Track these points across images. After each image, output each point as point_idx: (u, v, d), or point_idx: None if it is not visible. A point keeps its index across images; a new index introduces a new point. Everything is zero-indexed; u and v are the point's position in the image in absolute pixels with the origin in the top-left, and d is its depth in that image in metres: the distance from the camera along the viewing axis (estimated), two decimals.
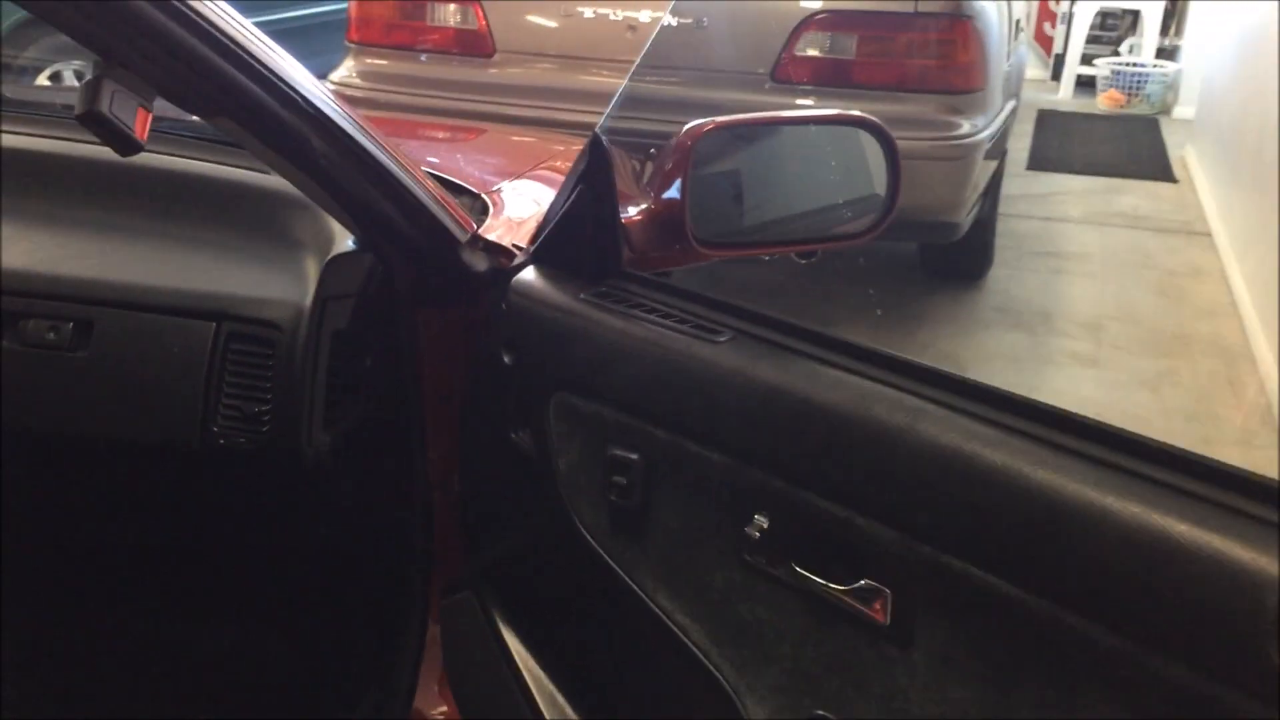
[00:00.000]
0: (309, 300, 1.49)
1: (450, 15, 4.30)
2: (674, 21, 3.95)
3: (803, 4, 3.93)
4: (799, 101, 3.90)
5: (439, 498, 1.61)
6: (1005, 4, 4.64)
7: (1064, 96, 9.65)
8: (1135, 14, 9.94)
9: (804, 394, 1.09)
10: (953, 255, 4.83)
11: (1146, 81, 9.25)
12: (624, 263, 1.35)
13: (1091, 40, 9.78)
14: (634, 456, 1.25)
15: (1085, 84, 9.63)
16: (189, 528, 1.63)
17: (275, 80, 1.21)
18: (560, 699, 1.43)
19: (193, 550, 1.65)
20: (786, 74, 3.90)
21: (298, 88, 1.24)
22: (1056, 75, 10.01)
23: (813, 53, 3.92)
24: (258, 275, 1.54)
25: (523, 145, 2.76)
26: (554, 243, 1.40)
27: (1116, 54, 9.80)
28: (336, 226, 1.55)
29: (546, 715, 1.41)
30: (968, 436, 0.97)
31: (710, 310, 1.24)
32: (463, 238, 1.49)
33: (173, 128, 1.63)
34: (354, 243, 1.52)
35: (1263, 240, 4.71)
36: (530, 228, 1.64)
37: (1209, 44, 8.04)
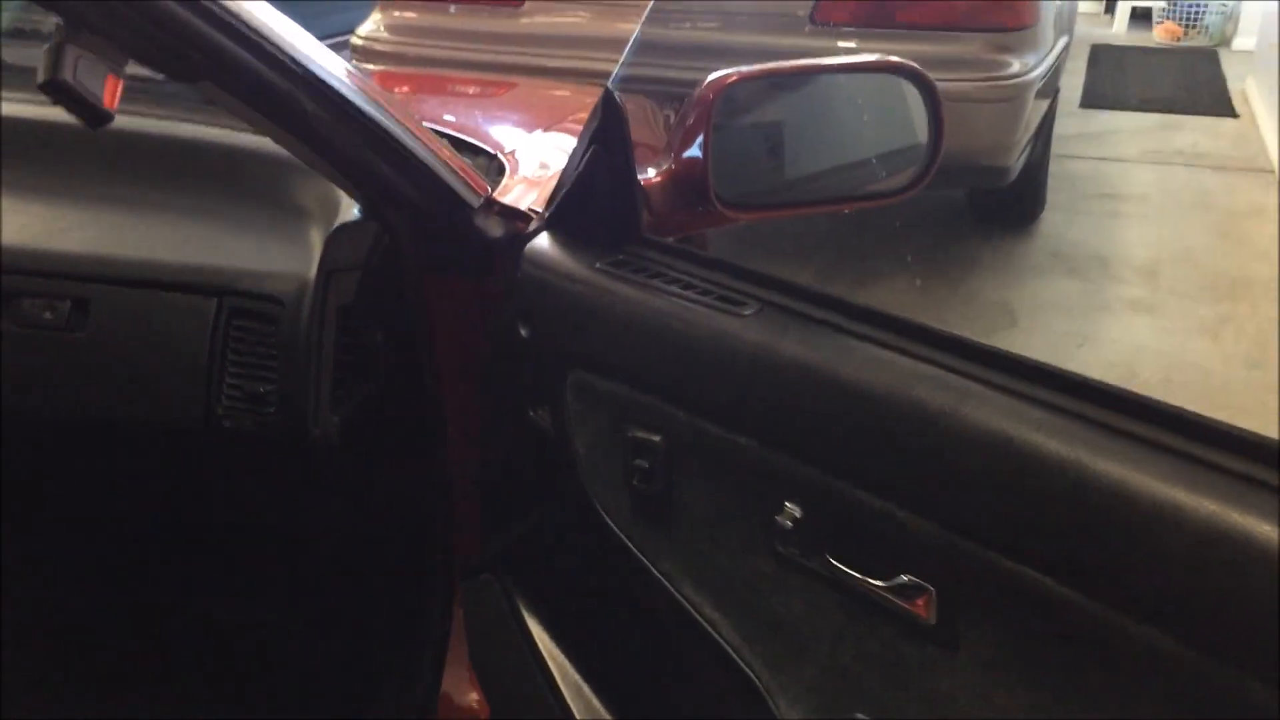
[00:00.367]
0: (313, 272, 1.41)
1: None
2: None
3: None
4: (839, 44, 3.75)
5: (458, 475, 1.53)
6: None
7: (1118, 30, 9.35)
8: None
9: (836, 373, 0.99)
10: (1002, 200, 4.67)
11: (1204, 12, 8.93)
12: (643, 228, 1.25)
13: None
14: (655, 438, 1.16)
15: (1140, 16, 9.34)
16: (195, 513, 1.56)
17: (259, 39, 1.12)
18: (586, 691, 1.35)
19: (201, 536, 1.59)
20: (826, 15, 3.75)
21: (285, 46, 1.15)
22: (1110, 8, 9.71)
23: None
24: (259, 246, 1.46)
25: (554, 98, 2.66)
26: (568, 208, 1.31)
27: None
28: (342, 192, 1.46)
29: (574, 708, 1.34)
30: (1020, 421, 0.87)
31: (735, 279, 1.14)
32: (475, 202, 1.40)
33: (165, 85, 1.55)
34: (359, 211, 1.44)
35: None
36: (549, 190, 1.55)
37: None
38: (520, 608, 1.43)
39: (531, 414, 1.37)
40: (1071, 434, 0.85)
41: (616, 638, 1.34)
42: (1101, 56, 8.42)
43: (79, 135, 1.54)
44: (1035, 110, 4.05)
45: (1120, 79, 7.79)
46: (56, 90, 0.98)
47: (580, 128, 2.14)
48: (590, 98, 2.57)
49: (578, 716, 1.33)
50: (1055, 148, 5.13)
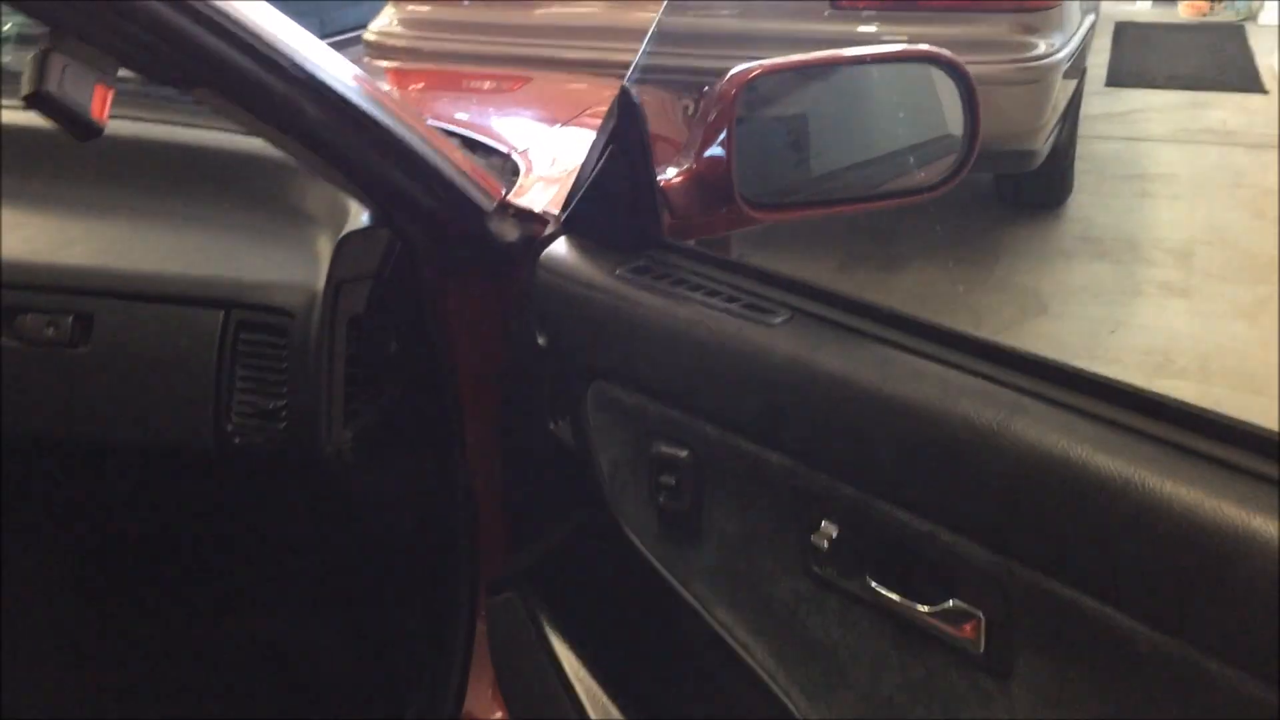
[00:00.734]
0: (322, 283, 1.35)
1: None
2: None
3: None
4: (860, 29, 3.67)
5: (481, 486, 1.48)
6: None
7: (1142, 6, 9.21)
8: None
9: (875, 386, 0.93)
10: (1030, 183, 4.58)
11: None
12: (663, 230, 1.19)
13: None
14: (682, 454, 1.10)
15: None
16: (209, 534, 1.51)
17: (257, 42, 1.06)
18: (614, 713, 1.30)
19: (214, 557, 1.54)
20: None
21: (284, 49, 1.09)
22: None
23: None
24: (266, 256, 1.41)
25: (570, 92, 2.60)
26: (585, 210, 1.25)
27: None
28: (351, 197, 1.41)
29: None
30: (1077, 439, 0.81)
31: (763, 285, 1.08)
32: (489, 206, 1.35)
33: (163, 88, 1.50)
34: (369, 217, 1.38)
35: None
36: (566, 190, 1.49)
37: None
38: (545, 627, 1.37)
39: (552, 426, 1.31)
40: (1134, 452, 0.78)
41: (645, 660, 1.28)
42: (1126, 33, 8.29)
43: (80, 144, 1.49)
44: (1062, 91, 3.97)
45: (1146, 56, 7.67)
46: (42, 102, 0.93)
47: (597, 122, 2.09)
48: (607, 91, 2.50)
49: None
50: (1082, 128, 5.03)
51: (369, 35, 4.22)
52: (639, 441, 1.15)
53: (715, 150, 1.18)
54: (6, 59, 2.02)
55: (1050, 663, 0.84)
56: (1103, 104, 6.37)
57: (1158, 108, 6.49)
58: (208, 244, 1.44)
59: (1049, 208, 4.81)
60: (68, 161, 1.52)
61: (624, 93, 1.13)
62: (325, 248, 1.40)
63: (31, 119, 1.55)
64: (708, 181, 1.19)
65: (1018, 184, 4.66)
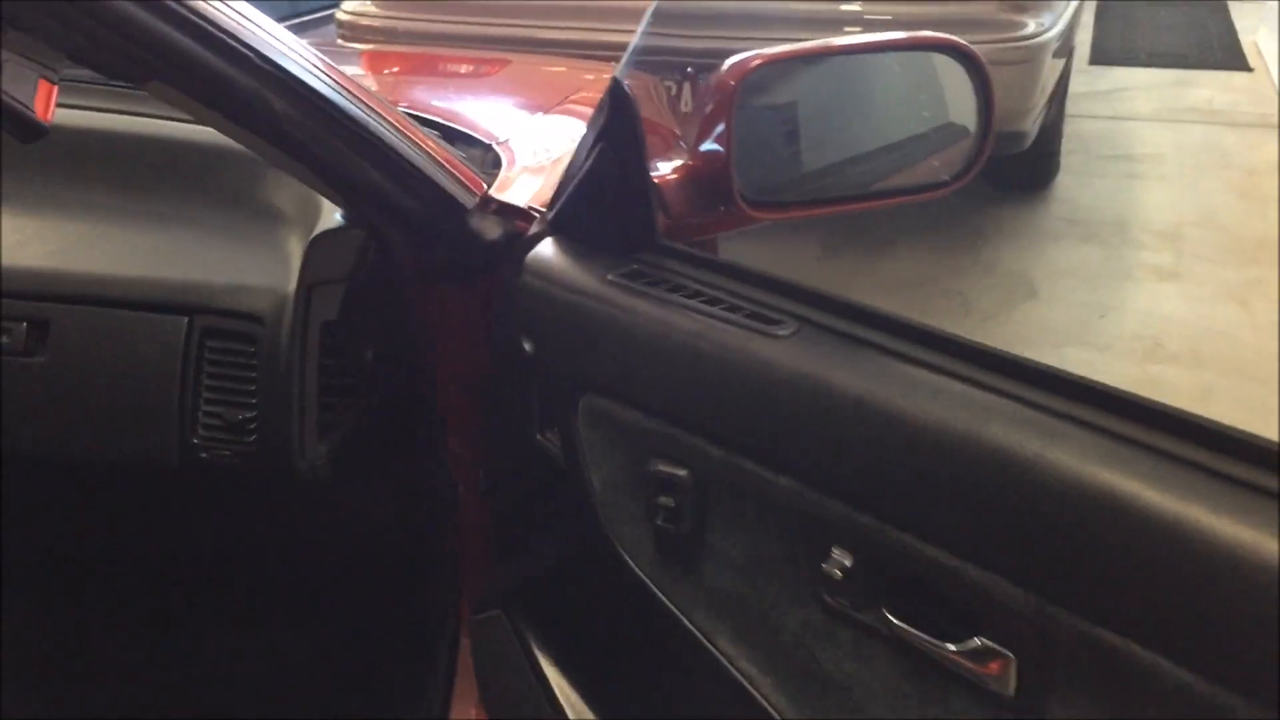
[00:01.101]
0: (293, 286, 1.27)
1: None
2: None
3: None
4: (844, 7, 3.59)
5: (464, 495, 1.40)
6: None
7: None
8: None
9: (893, 407, 0.85)
10: (1016, 164, 4.50)
11: None
12: (658, 232, 1.11)
13: None
14: (681, 473, 1.03)
15: None
16: (174, 552, 1.43)
17: (216, 32, 0.98)
18: None
19: (181, 576, 1.46)
20: None
21: (248, 40, 1.01)
22: None
23: None
24: (233, 257, 1.33)
25: (551, 77, 2.51)
26: (573, 210, 1.17)
27: None
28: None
29: None
30: (1124, 470, 0.73)
31: (767, 293, 1.00)
32: (470, 203, 1.27)
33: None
34: (342, 216, 1.30)
35: None
36: (551, 182, 1.40)
37: None
38: (534, 648, 1.30)
39: (540, 437, 1.23)
40: (1189, 488, 0.71)
41: (640, 688, 1.21)
42: (1109, 10, 8.21)
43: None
44: (1051, 71, 3.89)
45: (1129, 33, 7.61)
46: None
47: (581, 109, 2.01)
48: (589, 74, 2.42)
49: None
50: (1068, 107, 4.97)
51: (342, 14, 4.10)
52: (635, 459, 1.07)
53: (712, 146, 1.10)
54: None
55: (1088, 709, 0.78)
56: (1086, 82, 6.30)
57: (1142, 86, 6.43)
58: (171, 244, 1.35)
59: (1035, 189, 4.75)
60: (18, 155, 1.43)
61: (615, 86, 1.05)
62: (296, 248, 1.31)
63: None
64: (705, 179, 1.11)
65: (1004, 165, 4.58)
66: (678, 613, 1.08)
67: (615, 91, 1.05)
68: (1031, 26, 3.59)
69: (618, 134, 1.07)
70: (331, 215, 1.31)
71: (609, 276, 1.08)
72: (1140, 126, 5.73)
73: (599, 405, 1.09)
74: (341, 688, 1.58)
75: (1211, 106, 6.04)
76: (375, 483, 1.36)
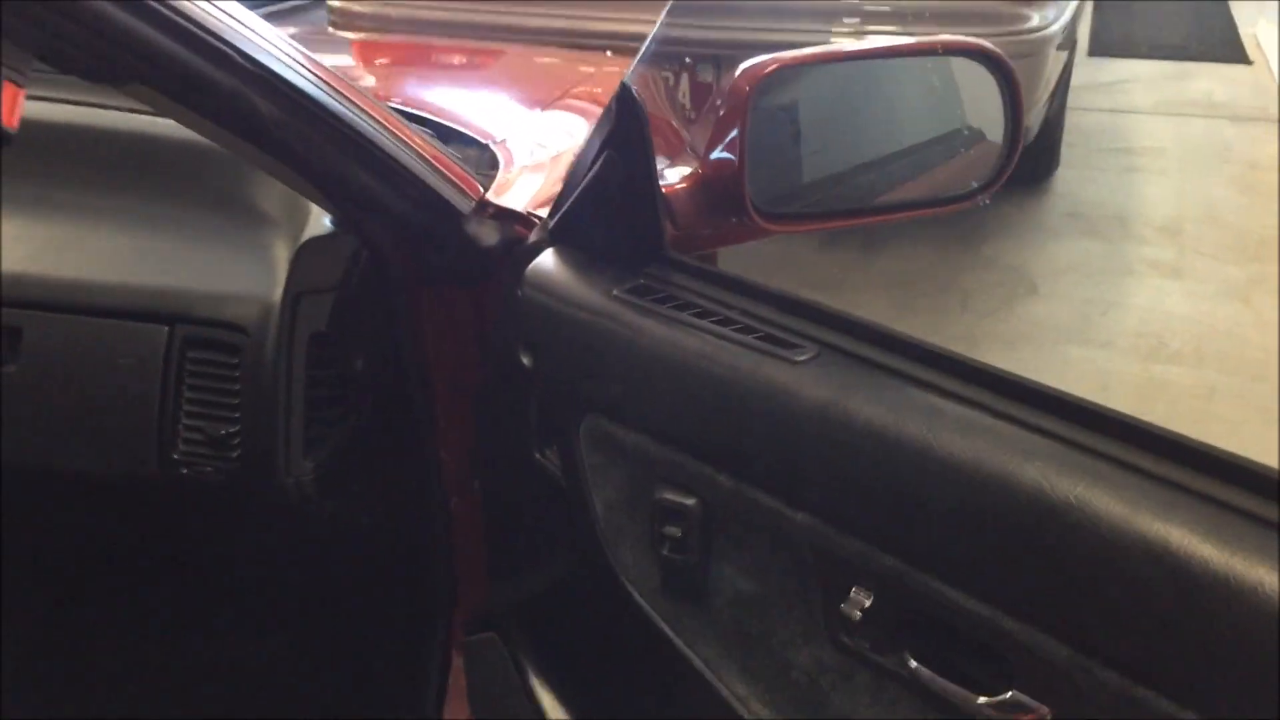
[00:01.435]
0: (279, 294, 1.21)
1: None
2: None
3: None
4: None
5: (459, 515, 1.34)
6: None
7: None
8: None
9: (921, 442, 0.80)
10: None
11: None
12: (667, 245, 1.06)
13: None
14: (689, 502, 0.97)
15: None
16: (155, 569, 1.37)
17: (197, 31, 0.92)
18: None
19: (163, 594, 1.40)
20: None
21: (231, 39, 0.95)
22: None
23: None
24: (217, 263, 1.26)
25: (547, 69, 2.44)
26: (576, 219, 1.11)
27: None
28: None
29: None
30: (1173, 518, 0.68)
31: (784, 314, 0.95)
32: (465, 207, 1.21)
33: None
34: (332, 221, 1.24)
35: None
36: (551, 184, 1.34)
37: None
38: (529, 673, 1.25)
39: (539, 456, 1.18)
40: (1244, 539, 0.66)
41: (639, 717, 1.16)
42: (1108, 2, 8.15)
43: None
44: (1055, 64, 3.84)
45: (1129, 25, 7.54)
46: None
47: (580, 104, 1.95)
48: (587, 66, 2.36)
49: None
50: (1068, 100, 4.91)
51: (334, 2, 4.03)
52: (640, 485, 1.01)
53: (723, 153, 1.04)
54: None
55: None
56: (1086, 74, 6.24)
57: (1142, 78, 6.38)
58: (151, 249, 1.29)
59: (1035, 183, 4.69)
60: None
61: (624, 91, 0.99)
62: (283, 253, 1.25)
63: None
64: (716, 189, 1.05)
65: None
66: (683, 646, 1.02)
67: (624, 97, 0.99)
68: (1036, 19, 3.52)
69: (626, 141, 1.01)
70: (320, 220, 1.25)
71: (615, 292, 1.03)
72: (1140, 119, 5.68)
73: (603, 428, 1.03)
74: (329, 705, 1.52)
75: (1211, 99, 5.98)
76: (365, 499, 1.30)
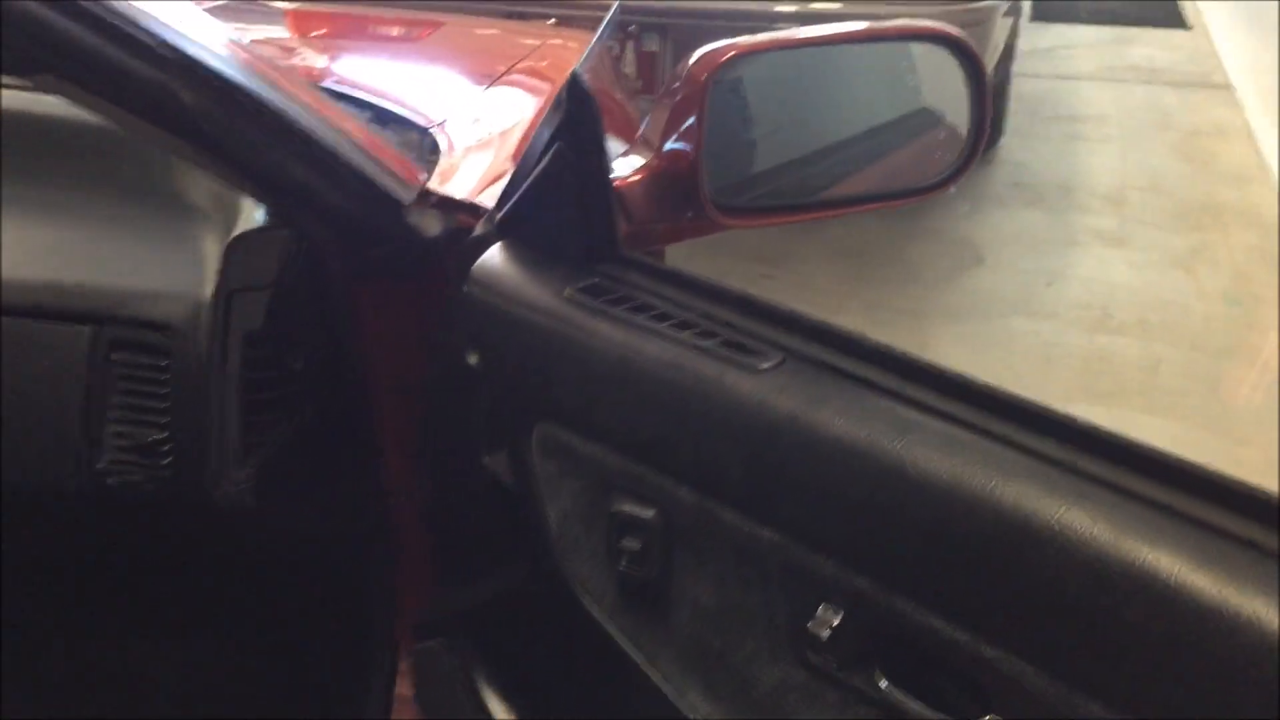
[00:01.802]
0: (210, 292, 1.14)
1: None
2: None
3: None
4: None
5: (404, 518, 1.29)
6: None
7: None
8: None
9: (895, 458, 0.75)
10: None
11: None
12: (620, 242, 1.00)
13: None
14: (648, 514, 0.93)
15: None
16: (82, 585, 1.30)
17: (114, 19, 0.85)
18: None
19: (90, 609, 1.33)
20: None
21: (150, 26, 0.88)
22: None
23: None
24: (143, 258, 1.19)
25: (487, 43, 2.37)
26: (524, 212, 1.05)
27: None
28: None
29: None
30: (1162, 544, 0.64)
31: (745, 318, 0.90)
32: (407, 198, 1.15)
33: None
34: (265, 213, 1.17)
35: None
36: (496, 169, 1.28)
37: None
38: (479, 685, 1.20)
39: (487, 459, 1.13)
40: (1237, 567, 0.62)
41: None
42: None
43: None
44: (1001, 32, 3.82)
45: None
46: None
47: (527, 80, 1.88)
48: (531, 38, 2.29)
49: None
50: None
51: None
52: (596, 496, 0.97)
53: (678, 144, 0.99)
54: None
55: None
56: (1029, 39, 6.23)
57: (1083, 43, 6.39)
58: (71, 243, 1.21)
59: (980, 152, 4.67)
60: None
61: (574, 82, 0.93)
62: (214, 248, 1.18)
63: None
64: (671, 181, 1.00)
65: None
66: (641, 662, 0.98)
67: (574, 88, 0.94)
68: None
69: (577, 135, 0.96)
70: (253, 212, 1.18)
71: (566, 291, 0.97)
72: (1082, 85, 5.69)
73: (556, 435, 0.98)
74: (272, 715, 1.47)
75: (1152, 65, 6.01)
76: (306, 505, 1.24)
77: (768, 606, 0.88)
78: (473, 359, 1.09)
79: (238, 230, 1.17)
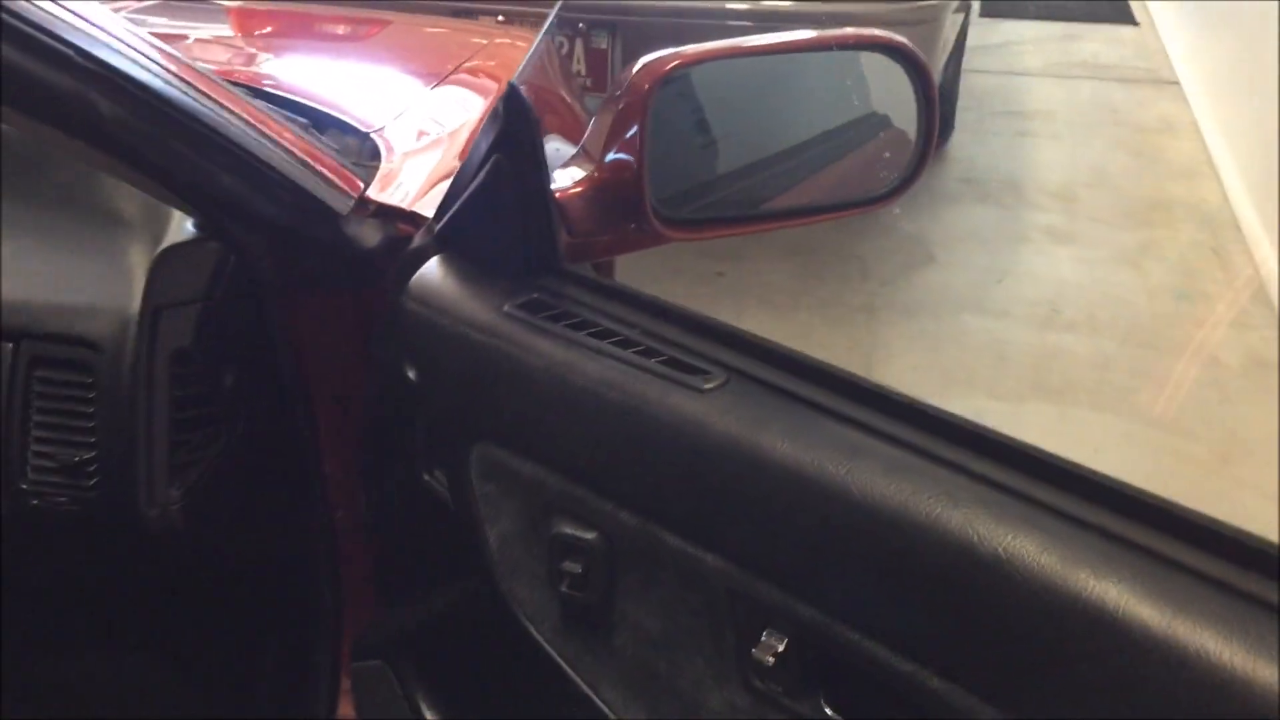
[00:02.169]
0: (136, 307, 1.10)
1: None
2: None
3: None
4: None
5: (344, 535, 1.26)
6: None
7: None
8: None
9: (840, 483, 0.73)
10: None
11: None
12: (561, 255, 0.98)
13: None
14: (589, 536, 0.90)
15: None
16: (9, 606, 1.25)
17: (25, 27, 0.81)
18: None
19: (17, 630, 1.28)
20: None
21: (67, 35, 0.84)
22: None
23: None
24: (65, 271, 1.15)
25: (433, 42, 2.33)
26: (464, 224, 1.02)
27: None
28: None
29: None
30: (1109, 574, 0.63)
31: (688, 335, 0.88)
32: (344, 208, 1.11)
33: None
34: (194, 225, 1.13)
35: (1238, 88, 4.39)
36: (438, 175, 1.25)
37: None
38: (421, 706, 1.17)
39: (427, 477, 1.10)
40: (1185, 598, 0.61)
41: None
42: None
43: None
44: (951, 29, 3.82)
45: None
46: None
47: (471, 80, 1.84)
48: (478, 37, 2.25)
49: None
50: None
51: None
52: (536, 518, 0.94)
53: (621, 155, 0.96)
54: None
55: None
56: (978, 35, 6.24)
57: (1032, 39, 6.42)
58: None
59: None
60: None
61: (512, 93, 0.91)
62: (141, 260, 1.14)
63: None
64: (613, 192, 0.97)
65: None
66: (584, 686, 0.96)
67: (511, 99, 0.91)
68: None
69: (515, 147, 0.93)
70: (183, 222, 1.15)
71: (505, 307, 0.94)
72: (1031, 81, 5.72)
73: (494, 455, 0.96)
74: None
75: (1100, 61, 6.05)
76: (240, 524, 1.21)
77: (713, 630, 0.86)
78: (411, 374, 1.06)
79: (166, 242, 1.13)
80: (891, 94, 1.21)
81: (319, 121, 1.37)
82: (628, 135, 0.96)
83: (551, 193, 0.96)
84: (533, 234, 0.97)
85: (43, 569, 1.23)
